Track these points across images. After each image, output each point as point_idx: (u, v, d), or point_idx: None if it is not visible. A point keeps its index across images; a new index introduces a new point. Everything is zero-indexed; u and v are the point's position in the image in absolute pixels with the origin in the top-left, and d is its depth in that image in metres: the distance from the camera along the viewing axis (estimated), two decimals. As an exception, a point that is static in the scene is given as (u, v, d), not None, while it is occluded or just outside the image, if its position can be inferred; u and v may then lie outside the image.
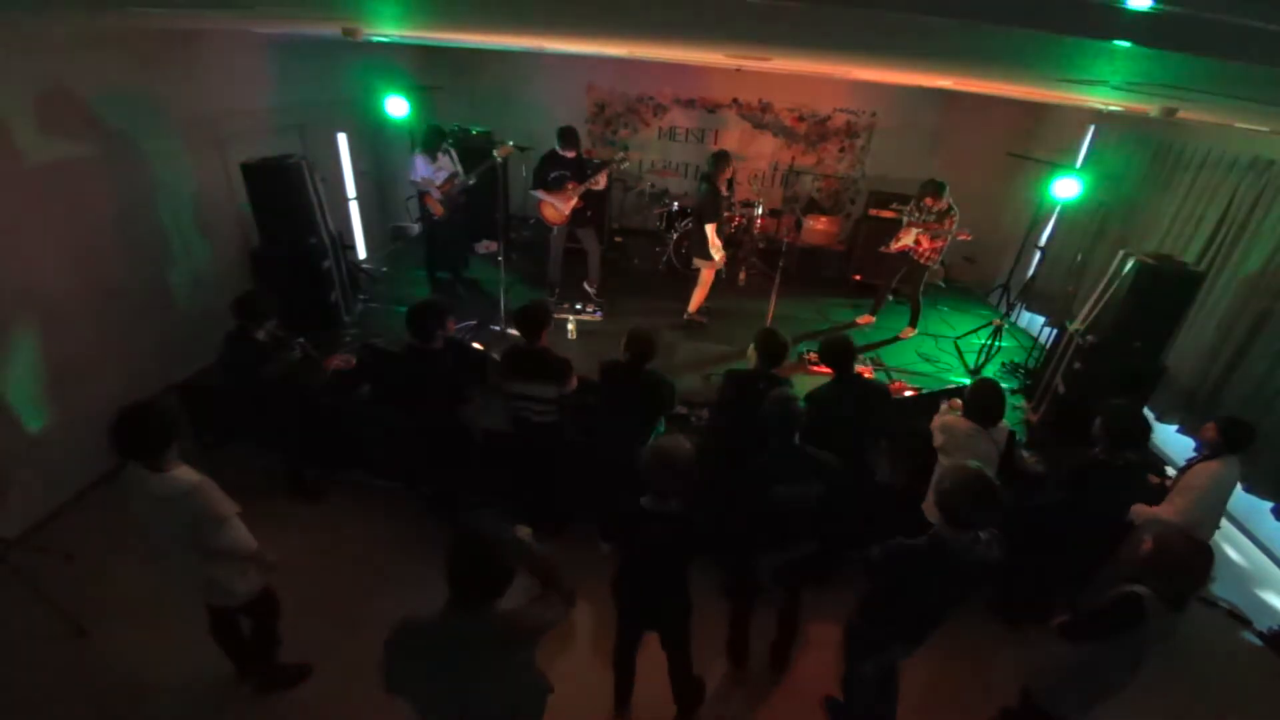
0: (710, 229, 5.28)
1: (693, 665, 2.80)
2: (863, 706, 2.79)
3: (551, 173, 5.56)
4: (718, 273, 5.70)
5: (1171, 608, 2.15)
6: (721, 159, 5.27)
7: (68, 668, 3.03)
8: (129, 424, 2.17)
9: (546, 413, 3.50)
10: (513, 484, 3.89)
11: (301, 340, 3.91)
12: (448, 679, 1.70)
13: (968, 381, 4.95)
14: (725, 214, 5.58)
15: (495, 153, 5.68)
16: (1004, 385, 3.34)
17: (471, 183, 5.83)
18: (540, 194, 5.66)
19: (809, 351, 5.20)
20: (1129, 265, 4.02)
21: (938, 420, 3.38)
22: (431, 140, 5.67)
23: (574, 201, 5.64)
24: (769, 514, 2.69)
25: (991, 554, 2.18)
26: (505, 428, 3.72)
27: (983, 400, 3.16)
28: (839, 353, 3.38)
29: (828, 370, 3.50)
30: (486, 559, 1.64)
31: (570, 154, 5.57)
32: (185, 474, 2.29)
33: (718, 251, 5.39)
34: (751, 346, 3.42)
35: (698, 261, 5.58)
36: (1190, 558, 2.12)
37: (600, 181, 5.74)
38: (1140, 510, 3.16)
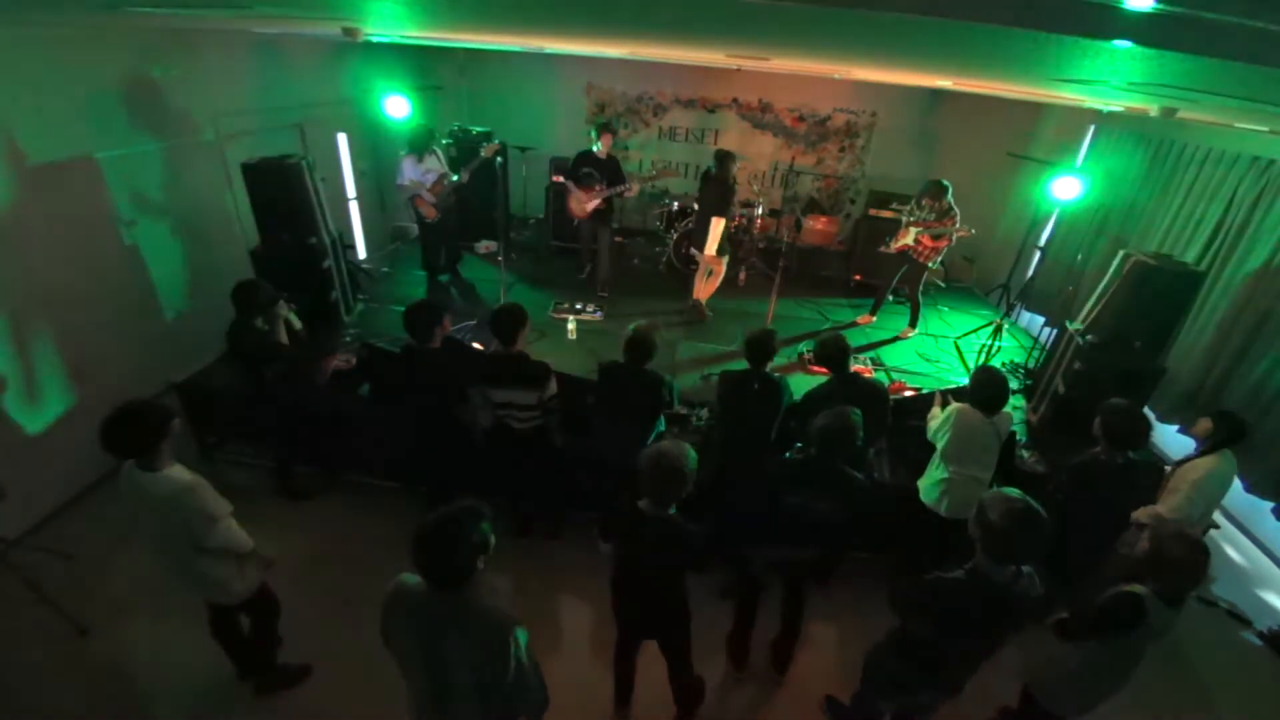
0: (717, 223, 5.30)
1: (692, 668, 2.79)
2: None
3: (583, 168, 5.80)
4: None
5: (1169, 605, 2.16)
6: (729, 157, 5.36)
7: (68, 668, 3.03)
8: (118, 423, 2.17)
9: (529, 419, 3.40)
10: (510, 484, 3.89)
11: (285, 298, 3.81)
12: (422, 644, 1.78)
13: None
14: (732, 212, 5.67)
15: (482, 151, 5.72)
16: (1008, 391, 3.34)
17: (464, 180, 5.85)
18: (570, 185, 5.93)
19: (807, 351, 5.21)
20: (1129, 265, 4.02)
21: (939, 410, 3.39)
22: (419, 141, 5.61)
23: (596, 202, 5.82)
24: (776, 516, 2.68)
25: (1034, 589, 2.04)
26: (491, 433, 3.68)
27: (986, 387, 3.19)
28: (833, 352, 3.39)
29: (826, 371, 3.51)
30: (451, 542, 1.69)
31: (602, 154, 5.77)
32: (178, 473, 2.30)
33: (713, 245, 5.42)
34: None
35: (694, 253, 5.66)
36: (1188, 555, 2.10)
37: (632, 190, 5.96)
38: (1140, 512, 3.17)
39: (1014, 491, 2.02)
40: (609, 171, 5.81)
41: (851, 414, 2.61)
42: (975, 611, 2.05)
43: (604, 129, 5.77)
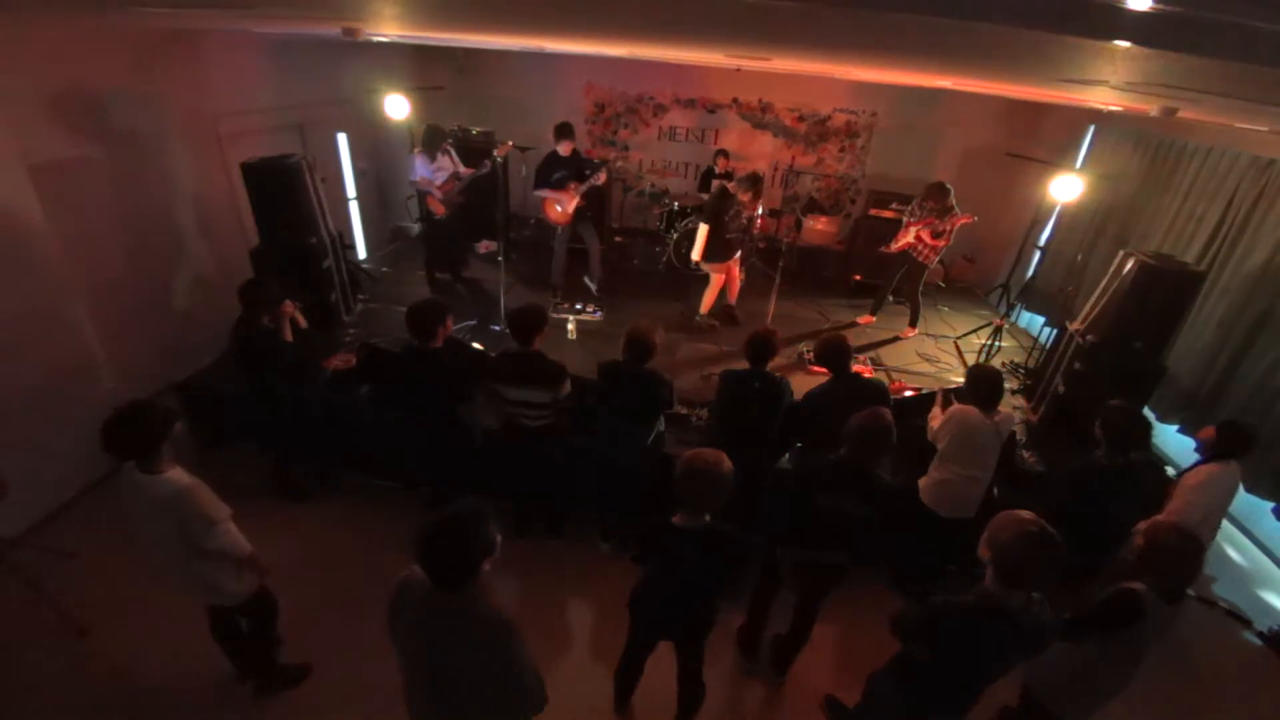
0: (702, 230, 5.29)
1: (702, 671, 2.77)
2: None
3: (555, 173, 5.62)
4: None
5: (1167, 601, 2.16)
6: (758, 181, 5.28)
7: (68, 668, 3.03)
8: (118, 424, 2.17)
9: (541, 418, 3.46)
10: (512, 483, 3.89)
11: (288, 300, 3.76)
12: (423, 642, 1.78)
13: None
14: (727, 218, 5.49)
15: (495, 151, 5.71)
16: (1003, 386, 3.35)
17: (485, 171, 5.84)
18: (545, 193, 5.72)
19: (807, 351, 5.21)
20: (1129, 265, 4.02)
21: (940, 411, 3.39)
22: (431, 140, 5.68)
23: (577, 200, 5.69)
24: (804, 514, 2.66)
25: (1045, 615, 1.96)
26: (501, 431, 3.70)
27: (982, 384, 3.21)
28: (834, 352, 3.39)
29: (826, 371, 3.51)
30: (457, 543, 1.69)
31: (567, 152, 5.60)
32: (177, 476, 2.29)
33: (697, 254, 5.41)
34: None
35: (701, 264, 5.61)
36: (1181, 546, 2.10)
37: (600, 178, 5.75)
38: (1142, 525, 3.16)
39: (1027, 512, 1.93)
40: (576, 167, 5.64)
41: (886, 414, 2.54)
42: (984, 638, 1.96)
43: (558, 133, 5.53)
